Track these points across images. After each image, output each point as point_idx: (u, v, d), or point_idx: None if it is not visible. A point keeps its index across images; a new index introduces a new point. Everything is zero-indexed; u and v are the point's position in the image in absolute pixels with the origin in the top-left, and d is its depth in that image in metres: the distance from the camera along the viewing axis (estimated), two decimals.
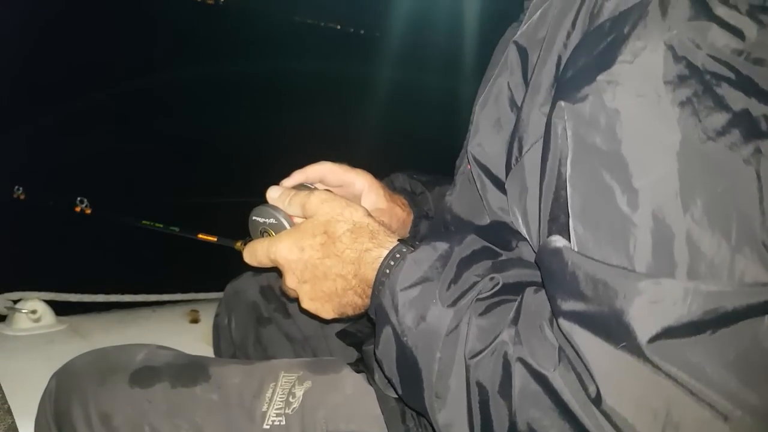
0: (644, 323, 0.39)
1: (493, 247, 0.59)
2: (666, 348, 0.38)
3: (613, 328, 0.40)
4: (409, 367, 0.54)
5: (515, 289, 0.52)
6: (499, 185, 0.61)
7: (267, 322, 0.98)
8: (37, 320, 1.32)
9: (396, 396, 0.64)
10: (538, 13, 0.58)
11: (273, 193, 0.72)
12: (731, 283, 0.38)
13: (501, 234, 0.61)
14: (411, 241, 0.61)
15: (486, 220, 0.64)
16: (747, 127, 0.39)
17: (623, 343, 0.39)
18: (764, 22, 0.41)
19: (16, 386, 1.08)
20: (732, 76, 0.40)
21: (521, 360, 0.45)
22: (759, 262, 0.38)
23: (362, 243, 0.62)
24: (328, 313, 0.66)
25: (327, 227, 0.63)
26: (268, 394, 0.69)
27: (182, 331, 1.38)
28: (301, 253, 0.64)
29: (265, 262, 0.68)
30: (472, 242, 0.58)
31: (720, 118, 0.40)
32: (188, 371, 0.74)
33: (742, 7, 0.41)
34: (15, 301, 1.35)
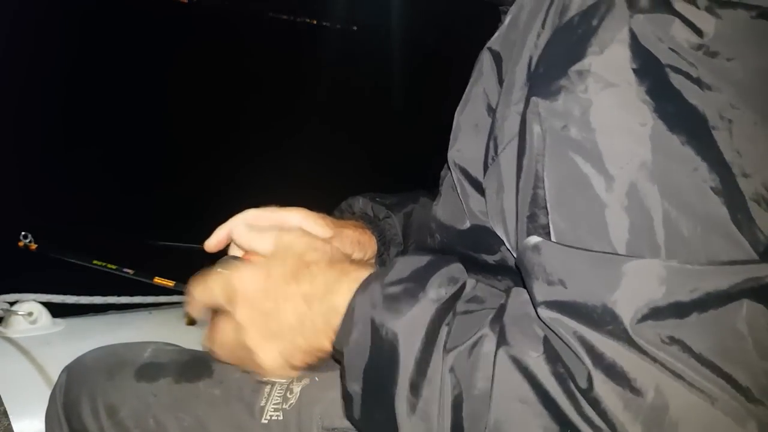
0: (628, 306, 0.39)
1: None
2: (651, 330, 0.38)
3: (597, 314, 0.40)
4: (381, 368, 0.52)
5: (500, 297, 0.52)
6: (479, 188, 0.61)
7: None
8: (33, 322, 1.32)
9: None
10: (509, 17, 0.59)
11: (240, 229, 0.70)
12: (708, 262, 0.39)
13: (482, 237, 0.61)
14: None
15: (467, 224, 0.64)
16: (699, 118, 0.41)
17: (608, 327, 0.39)
18: (722, 15, 0.42)
19: (13, 388, 1.09)
20: (689, 70, 0.42)
21: (503, 351, 0.44)
22: (731, 241, 0.39)
23: (340, 267, 0.60)
24: (267, 354, 0.59)
25: (302, 255, 0.62)
26: (267, 389, 0.72)
27: (180, 332, 1.39)
28: (266, 280, 0.60)
29: (217, 295, 0.62)
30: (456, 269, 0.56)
31: (678, 108, 0.42)
32: (192, 367, 0.76)
33: (701, 2, 0.42)
34: (11, 303, 1.35)
